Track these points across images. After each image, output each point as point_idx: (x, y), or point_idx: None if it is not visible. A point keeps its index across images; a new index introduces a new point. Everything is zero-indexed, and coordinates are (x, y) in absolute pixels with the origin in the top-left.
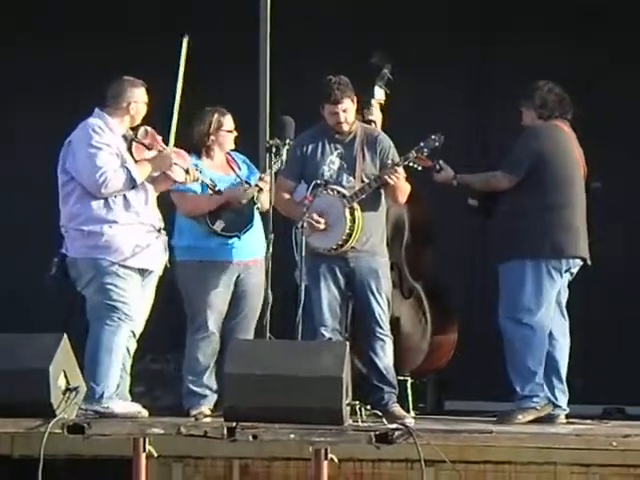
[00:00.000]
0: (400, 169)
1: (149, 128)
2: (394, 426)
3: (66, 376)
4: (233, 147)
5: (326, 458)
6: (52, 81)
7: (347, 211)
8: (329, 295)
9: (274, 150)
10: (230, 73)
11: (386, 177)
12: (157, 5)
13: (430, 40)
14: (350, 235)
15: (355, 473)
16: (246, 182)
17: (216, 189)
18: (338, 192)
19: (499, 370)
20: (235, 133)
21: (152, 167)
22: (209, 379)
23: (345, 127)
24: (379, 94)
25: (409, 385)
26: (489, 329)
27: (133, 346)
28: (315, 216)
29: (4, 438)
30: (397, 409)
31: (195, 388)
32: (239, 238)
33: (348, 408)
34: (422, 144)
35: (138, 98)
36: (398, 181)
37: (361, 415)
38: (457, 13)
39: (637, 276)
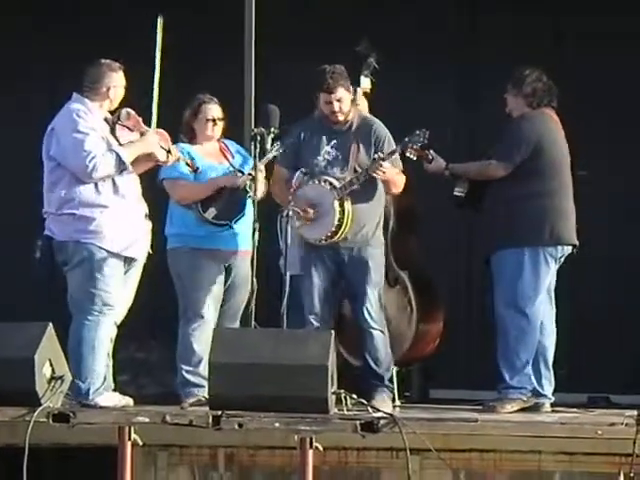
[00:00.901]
0: (386, 163)
1: (130, 110)
2: (379, 415)
3: (51, 365)
4: (218, 136)
5: (311, 447)
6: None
7: (337, 203)
8: (319, 284)
9: (259, 139)
10: (216, 61)
11: (371, 172)
12: None
13: (419, 34)
14: (339, 227)
15: (340, 462)
16: (239, 171)
17: (195, 167)
18: (330, 183)
19: (484, 359)
20: (219, 122)
21: (138, 149)
22: (205, 368)
23: (340, 117)
24: (365, 83)
25: (394, 374)
26: (474, 318)
27: (114, 333)
28: (304, 206)
29: None
30: (379, 399)
31: (191, 378)
32: (230, 227)
33: (334, 397)
34: (407, 139)
35: (117, 82)
36: (384, 175)
37: (346, 404)
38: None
39: (621, 262)
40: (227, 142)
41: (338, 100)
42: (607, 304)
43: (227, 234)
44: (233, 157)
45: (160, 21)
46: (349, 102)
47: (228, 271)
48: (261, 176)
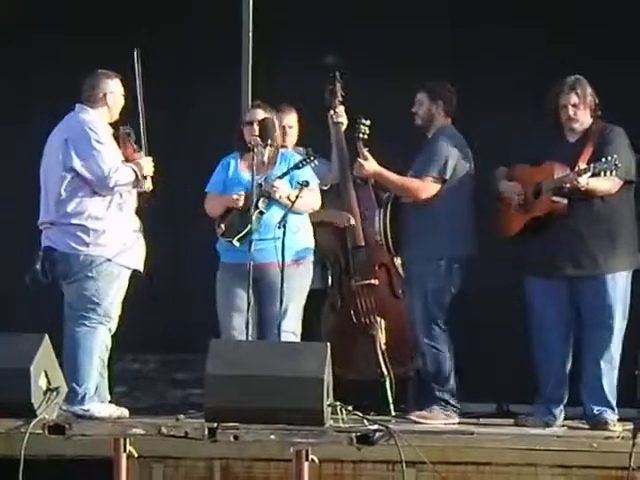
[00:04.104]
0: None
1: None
2: (375, 427)
3: (47, 376)
4: (251, 141)
5: (307, 459)
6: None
7: None
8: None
9: (255, 151)
10: (212, 73)
11: None
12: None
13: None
14: None
15: (336, 474)
16: (259, 185)
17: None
18: None
19: (479, 372)
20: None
21: (137, 169)
22: None
23: (415, 119)
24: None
25: (388, 386)
26: (473, 331)
27: (109, 344)
28: None
29: None
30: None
31: None
32: (232, 244)
33: (329, 409)
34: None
35: (114, 89)
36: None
37: (342, 416)
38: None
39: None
40: (287, 153)
41: (417, 102)
42: None
43: (244, 248)
44: (277, 166)
45: (136, 54)
46: (426, 109)
47: (255, 284)
48: (280, 193)
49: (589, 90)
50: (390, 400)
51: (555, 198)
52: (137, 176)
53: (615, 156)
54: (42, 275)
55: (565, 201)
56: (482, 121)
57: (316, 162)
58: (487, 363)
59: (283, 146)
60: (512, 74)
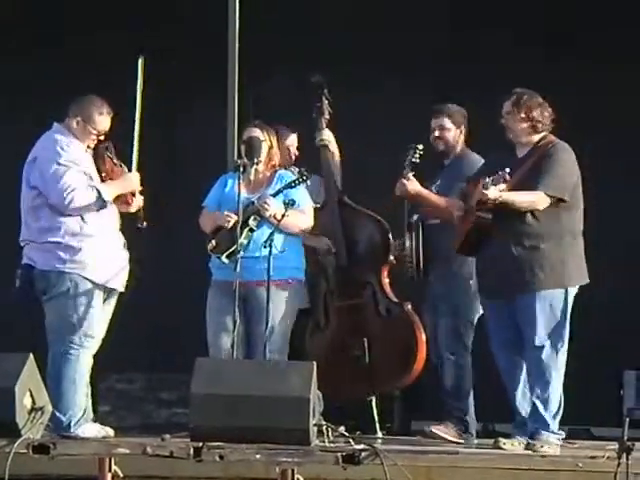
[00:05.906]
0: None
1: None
2: (361, 447)
3: (32, 396)
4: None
5: (293, 478)
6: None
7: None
8: None
9: (241, 170)
10: (197, 91)
11: None
12: (123, 24)
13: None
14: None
15: None
16: (251, 203)
17: (141, 224)
18: None
19: None
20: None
21: (120, 188)
22: None
23: (438, 145)
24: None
25: (373, 405)
26: None
27: (90, 366)
28: None
29: None
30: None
31: None
32: (220, 260)
33: (315, 428)
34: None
35: (85, 116)
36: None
37: (328, 436)
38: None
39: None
40: (282, 173)
41: (439, 127)
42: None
43: (232, 266)
44: (272, 186)
45: (140, 62)
46: (453, 135)
47: (245, 302)
48: (269, 212)
49: (529, 103)
50: (376, 419)
51: (479, 213)
52: (101, 197)
53: (507, 170)
54: (21, 293)
55: (489, 216)
56: (484, 127)
57: (308, 182)
58: (473, 383)
59: (281, 166)
60: (512, 77)
